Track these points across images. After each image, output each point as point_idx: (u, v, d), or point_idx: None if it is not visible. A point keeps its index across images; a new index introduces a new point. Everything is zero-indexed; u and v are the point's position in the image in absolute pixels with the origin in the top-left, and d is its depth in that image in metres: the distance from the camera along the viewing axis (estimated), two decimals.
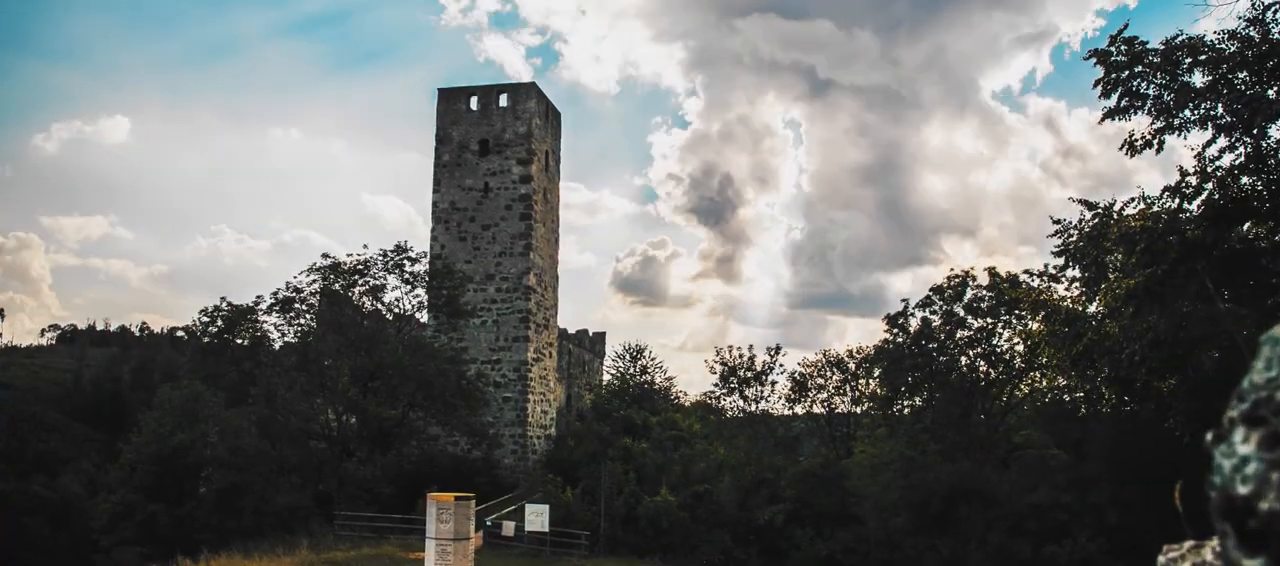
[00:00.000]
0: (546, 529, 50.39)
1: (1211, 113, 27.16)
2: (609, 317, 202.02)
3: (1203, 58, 26.85)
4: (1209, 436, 1.40)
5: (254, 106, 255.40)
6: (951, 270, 60.17)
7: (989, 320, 58.15)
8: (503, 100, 78.52)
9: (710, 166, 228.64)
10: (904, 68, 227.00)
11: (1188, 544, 2.08)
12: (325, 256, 65.41)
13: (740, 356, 79.70)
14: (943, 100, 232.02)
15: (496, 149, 77.50)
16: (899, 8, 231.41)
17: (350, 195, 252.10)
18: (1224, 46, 26.61)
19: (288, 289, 64.58)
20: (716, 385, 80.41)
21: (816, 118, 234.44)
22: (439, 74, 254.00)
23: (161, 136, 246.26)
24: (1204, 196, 27.84)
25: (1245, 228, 29.45)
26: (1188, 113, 27.38)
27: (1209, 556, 1.98)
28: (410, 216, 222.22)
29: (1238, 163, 27.43)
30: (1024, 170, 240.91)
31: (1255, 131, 26.65)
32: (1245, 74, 26.63)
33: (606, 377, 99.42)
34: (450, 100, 79.60)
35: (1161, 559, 2.13)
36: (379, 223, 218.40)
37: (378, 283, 64.88)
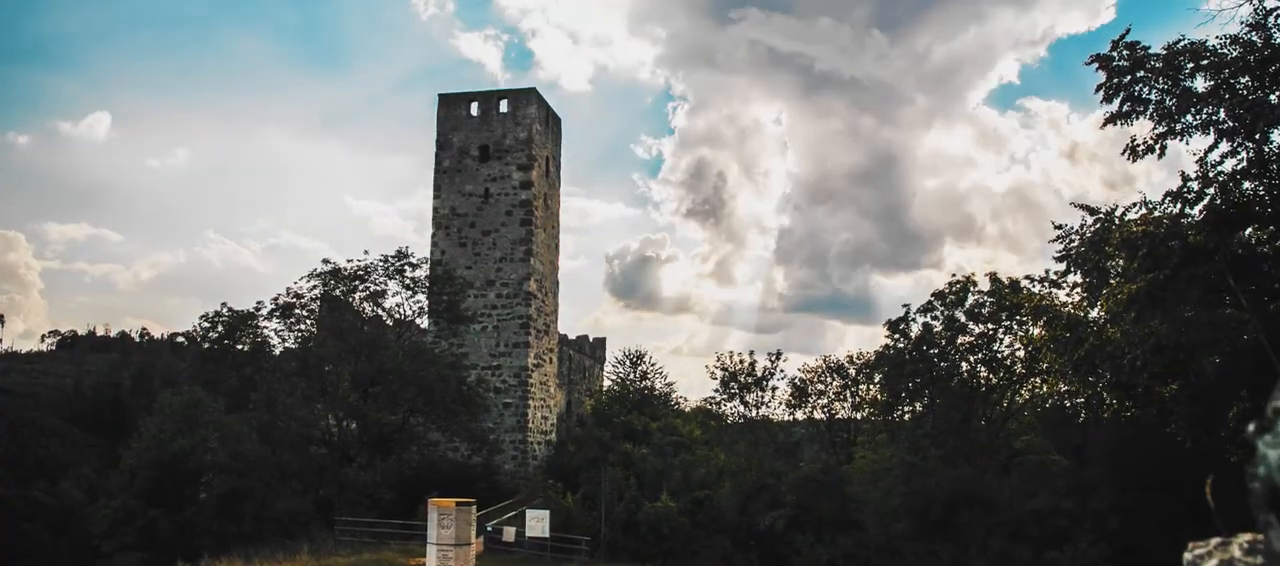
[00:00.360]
0: (547, 534, 50.33)
1: (1213, 117, 27.14)
2: (602, 321, 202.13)
3: (1204, 63, 26.84)
4: (1251, 427, 1.39)
5: (225, 103, 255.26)
6: (953, 275, 60.08)
7: (990, 326, 58.13)
8: (503, 106, 78.55)
9: (702, 168, 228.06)
10: (899, 67, 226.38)
11: (1214, 540, 2.07)
12: (325, 262, 65.61)
13: (741, 362, 79.68)
14: (939, 101, 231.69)
15: (497, 155, 77.52)
16: (898, 5, 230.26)
17: (332, 196, 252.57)
18: (1226, 51, 26.59)
19: (288, 294, 64.60)
20: (717, 391, 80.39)
21: (810, 117, 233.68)
22: (412, 72, 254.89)
23: (140, 137, 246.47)
24: (1206, 201, 27.82)
25: (1247, 232, 29.44)
26: (1190, 118, 27.36)
27: (1237, 552, 1.97)
28: (389, 215, 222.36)
29: (1240, 167, 27.41)
30: (1020, 173, 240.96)
31: (1257, 136, 26.64)
32: (1247, 79, 26.61)
33: (607, 383, 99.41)
34: (450, 106, 79.62)
35: (1187, 555, 2.11)
36: (349, 222, 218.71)
37: (378, 288, 64.87)
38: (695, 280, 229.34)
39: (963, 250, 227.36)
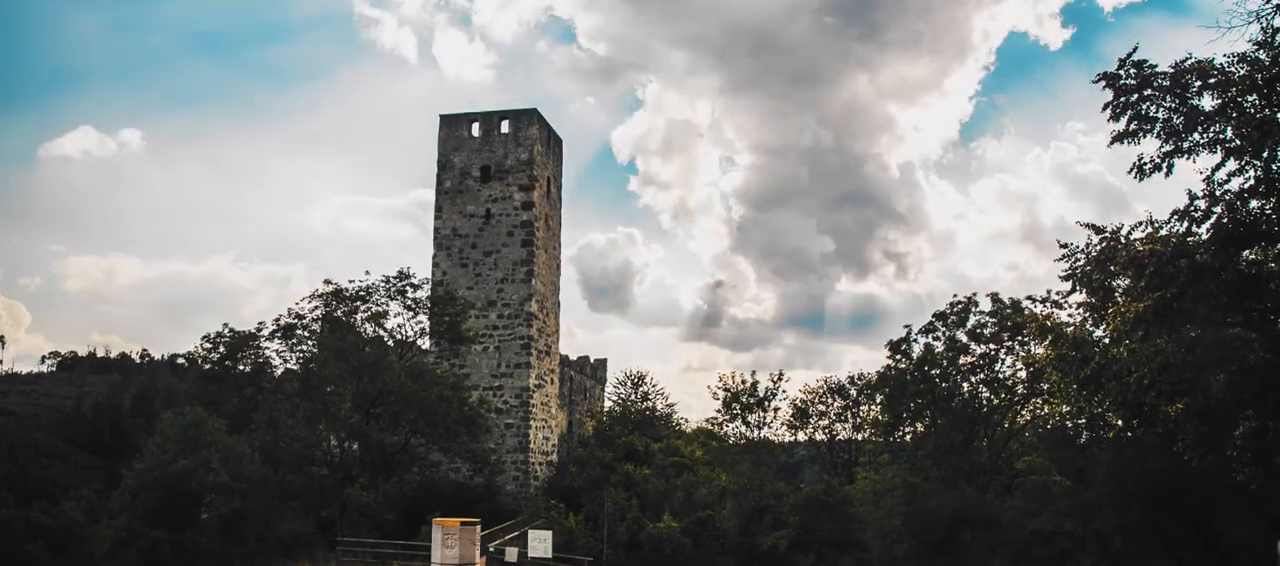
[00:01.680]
0: (549, 554, 50.20)
1: (1221, 136, 27.22)
2: (575, 332, 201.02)
3: (1212, 81, 26.93)
4: None
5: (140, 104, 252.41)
6: (954, 295, 60.31)
7: (992, 346, 58.20)
8: (505, 126, 78.81)
9: (666, 178, 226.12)
10: (877, 64, 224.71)
11: None
12: (327, 283, 65.50)
13: (743, 382, 79.63)
14: (920, 99, 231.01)
15: (498, 175, 77.72)
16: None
17: (285, 200, 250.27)
18: (1233, 70, 26.70)
19: (289, 315, 64.67)
20: (719, 411, 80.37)
21: (773, 117, 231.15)
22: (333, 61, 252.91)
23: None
24: (1213, 220, 27.86)
25: (1254, 252, 29.51)
26: (1197, 136, 27.44)
27: None
28: (333, 220, 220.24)
29: (1247, 186, 27.46)
30: (1009, 179, 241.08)
31: (1265, 155, 26.71)
32: (1255, 97, 26.71)
33: (608, 404, 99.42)
34: (452, 126, 79.83)
35: None
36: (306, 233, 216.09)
37: (380, 309, 64.88)
38: (678, 290, 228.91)
39: (947, 259, 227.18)
